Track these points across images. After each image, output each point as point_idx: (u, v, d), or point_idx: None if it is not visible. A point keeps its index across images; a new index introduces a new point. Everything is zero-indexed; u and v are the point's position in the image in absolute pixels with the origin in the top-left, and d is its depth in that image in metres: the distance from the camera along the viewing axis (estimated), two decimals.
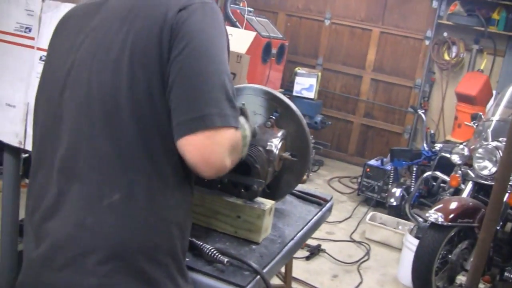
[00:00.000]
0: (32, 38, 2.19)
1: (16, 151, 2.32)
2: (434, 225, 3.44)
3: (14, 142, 2.28)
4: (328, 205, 2.25)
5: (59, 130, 1.29)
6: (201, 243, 1.52)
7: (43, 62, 2.17)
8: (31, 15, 2.18)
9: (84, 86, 1.25)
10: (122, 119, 1.20)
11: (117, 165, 1.21)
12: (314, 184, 6.19)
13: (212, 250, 1.49)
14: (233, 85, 1.25)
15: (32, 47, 2.19)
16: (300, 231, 1.90)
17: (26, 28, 2.19)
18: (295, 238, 1.84)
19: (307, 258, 4.27)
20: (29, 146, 2.24)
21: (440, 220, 3.39)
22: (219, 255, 1.48)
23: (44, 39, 2.16)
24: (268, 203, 1.70)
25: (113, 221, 1.20)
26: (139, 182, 1.21)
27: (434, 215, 3.43)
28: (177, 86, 1.19)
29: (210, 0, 1.28)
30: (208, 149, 1.18)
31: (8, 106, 2.26)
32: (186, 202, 1.32)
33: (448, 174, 4.12)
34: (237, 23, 5.86)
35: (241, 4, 6.30)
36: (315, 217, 2.08)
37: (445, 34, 6.67)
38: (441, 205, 3.53)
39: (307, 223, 1.98)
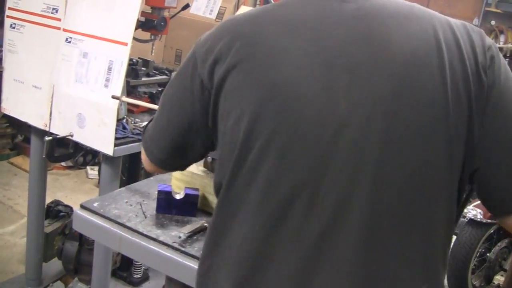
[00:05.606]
0: (59, 19, 2.16)
1: (42, 134, 2.31)
2: (472, 222, 3.29)
3: (39, 124, 2.26)
4: None
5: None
6: None
7: (69, 44, 2.14)
8: None
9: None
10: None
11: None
12: None
13: None
14: None
15: (59, 28, 2.16)
16: None
17: (53, 8, 2.16)
18: None
19: None
20: (53, 129, 2.23)
21: (479, 216, 3.25)
22: None
23: (71, 20, 2.12)
24: None
25: None
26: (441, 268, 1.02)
27: (472, 211, 3.28)
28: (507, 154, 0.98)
29: None
30: None
31: (35, 88, 2.25)
32: None
33: None
34: None
35: None
36: None
37: (493, 22, 6.41)
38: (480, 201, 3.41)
39: None
